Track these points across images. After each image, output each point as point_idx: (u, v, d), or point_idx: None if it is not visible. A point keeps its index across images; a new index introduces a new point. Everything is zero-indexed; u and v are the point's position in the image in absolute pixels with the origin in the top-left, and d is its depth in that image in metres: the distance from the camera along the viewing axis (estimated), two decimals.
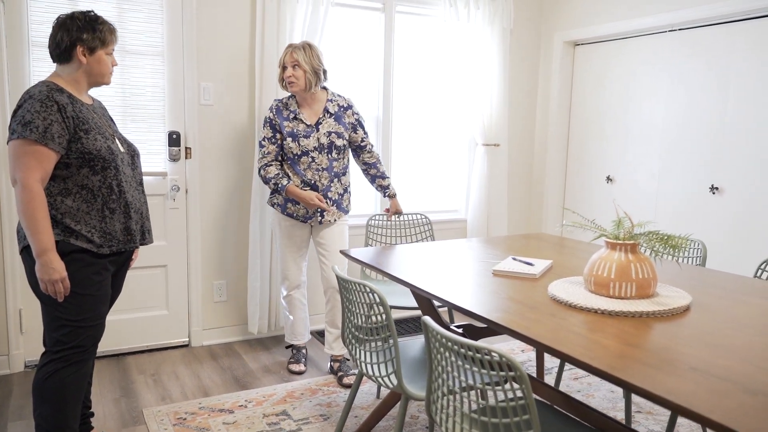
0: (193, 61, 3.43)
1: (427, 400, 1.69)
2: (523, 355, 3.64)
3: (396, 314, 4.32)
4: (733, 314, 1.84)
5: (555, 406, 1.97)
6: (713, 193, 3.56)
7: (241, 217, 3.71)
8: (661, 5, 3.70)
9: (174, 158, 3.47)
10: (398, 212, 3.30)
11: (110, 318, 3.45)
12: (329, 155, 3.09)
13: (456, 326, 2.61)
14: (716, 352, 1.53)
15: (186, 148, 3.50)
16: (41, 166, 2.01)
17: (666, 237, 1.87)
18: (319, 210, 3.09)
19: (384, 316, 1.94)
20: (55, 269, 2.04)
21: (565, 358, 1.51)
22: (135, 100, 3.36)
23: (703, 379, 1.35)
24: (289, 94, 3.16)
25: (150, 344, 3.59)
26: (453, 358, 1.50)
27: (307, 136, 3.05)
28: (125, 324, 3.50)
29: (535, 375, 3.12)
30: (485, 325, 2.53)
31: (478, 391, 1.47)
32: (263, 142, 3.09)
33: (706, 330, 1.69)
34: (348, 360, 3.34)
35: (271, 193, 3.19)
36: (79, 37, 2.10)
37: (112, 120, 2.37)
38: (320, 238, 3.19)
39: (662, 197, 3.86)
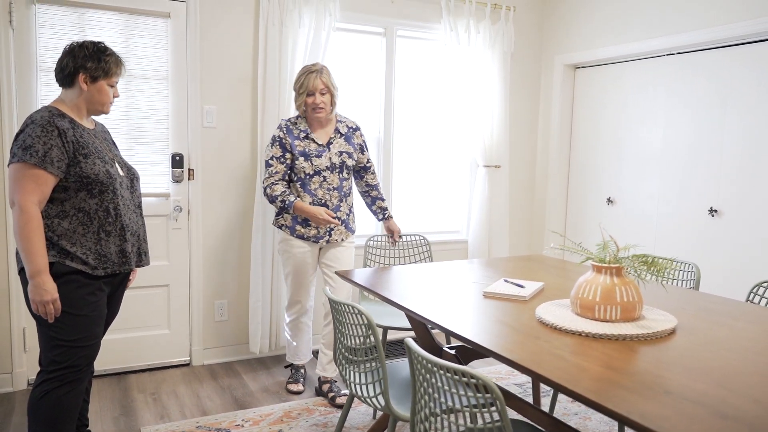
0: (196, 84, 3.51)
1: (412, 421, 1.71)
2: (521, 377, 3.64)
3: (394, 335, 4.34)
4: (717, 338, 1.85)
5: (539, 427, 1.98)
6: (712, 216, 3.56)
7: (242, 238, 3.76)
8: (660, 29, 3.74)
9: (177, 179, 3.54)
10: (399, 233, 3.35)
11: (112, 337, 3.50)
12: (340, 174, 3.12)
13: (449, 347, 2.63)
14: (694, 375, 1.54)
15: (189, 169, 3.56)
16: (39, 189, 2.07)
17: (650, 260, 1.89)
18: (329, 229, 3.12)
19: (372, 338, 1.97)
20: (46, 291, 2.07)
21: (543, 381, 1.53)
22: (139, 123, 3.44)
23: (676, 403, 1.37)
24: (296, 113, 3.19)
25: (151, 363, 3.63)
26: (434, 380, 1.52)
27: (319, 156, 3.06)
28: (127, 343, 3.54)
29: (531, 396, 3.12)
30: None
31: (460, 413, 1.49)
32: (271, 162, 3.05)
33: (687, 354, 1.70)
34: (336, 381, 3.31)
35: (277, 214, 3.18)
36: (84, 65, 2.19)
37: (114, 144, 2.44)
38: (327, 260, 3.20)
39: (662, 219, 3.86)
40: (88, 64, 2.19)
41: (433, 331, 4.19)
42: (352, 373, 2.13)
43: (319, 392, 3.31)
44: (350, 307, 1.99)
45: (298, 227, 3.10)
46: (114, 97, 2.29)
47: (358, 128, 3.25)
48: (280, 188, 2.99)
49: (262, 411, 3.10)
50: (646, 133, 3.94)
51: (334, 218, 2.96)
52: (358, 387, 2.10)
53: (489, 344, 1.75)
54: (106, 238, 2.23)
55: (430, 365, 1.51)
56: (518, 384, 3.54)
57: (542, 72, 4.66)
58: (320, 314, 3.90)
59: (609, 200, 4.24)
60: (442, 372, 1.47)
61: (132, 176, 2.38)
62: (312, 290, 3.29)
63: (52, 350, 2.16)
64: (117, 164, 2.31)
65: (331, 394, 3.21)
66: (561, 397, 3.35)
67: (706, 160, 3.57)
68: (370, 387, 2.16)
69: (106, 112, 2.30)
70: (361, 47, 4.05)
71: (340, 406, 3.15)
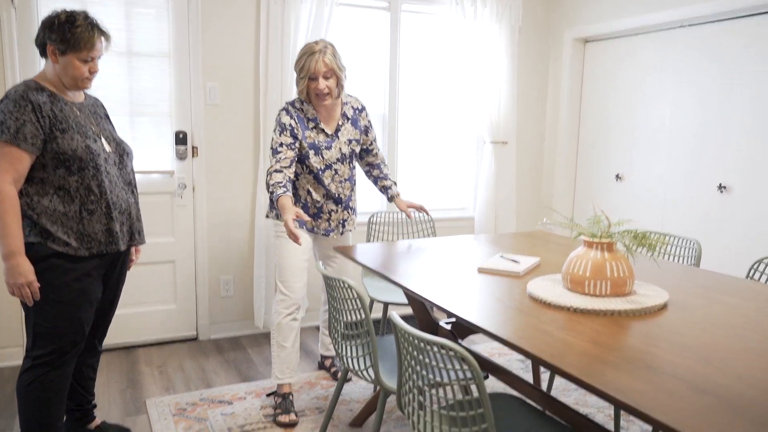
0: (198, 62, 3.51)
1: (398, 395, 1.72)
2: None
3: (397, 311, 4.36)
4: (709, 314, 1.83)
5: (530, 402, 1.98)
6: (721, 192, 3.50)
7: (247, 214, 3.79)
8: (671, 1, 3.65)
9: (181, 157, 3.56)
10: (413, 206, 2.98)
11: (120, 312, 3.57)
12: (350, 164, 2.90)
13: (446, 322, 2.64)
14: (680, 351, 1.53)
15: (193, 147, 3.58)
16: (13, 167, 1.98)
17: (641, 235, 1.87)
18: (341, 221, 2.92)
19: (362, 312, 1.98)
20: (21, 273, 2.01)
21: (528, 355, 1.53)
22: (142, 100, 3.46)
23: (657, 378, 1.36)
24: (298, 97, 2.79)
25: (159, 337, 3.69)
26: (416, 353, 1.53)
27: (329, 148, 2.78)
28: (134, 318, 3.61)
29: (531, 372, 3.12)
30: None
31: (441, 386, 1.50)
32: (280, 149, 2.66)
33: (675, 330, 1.69)
34: (334, 357, 3.28)
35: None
36: (49, 37, 2.06)
37: (106, 118, 2.33)
38: (329, 250, 3.04)
39: (670, 195, 3.81)
40: (53, 36, 2.04)
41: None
42: (345, 347, 2.15)
43: (321, 366, 3.33)
44: (341, 282, 2.00)
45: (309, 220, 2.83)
46: (92, 72, 2.13)
47: (363, 108, 2.96)
48: (278, 177, 2.60)
49: (265, 384, 3.15)
50: (655, 107, 3.87)
51: (298, 226, 2.68)
52: (350, 360, 2.12)
53: (477, 320, 1.76)
54: (89, 217, 2.13)
55: (411, 338, 1.52)
56: (520, 359, 3.55)
57: (551, 46, 4.58)
58: (319, 301, 3.91)
59: (617, 177, 4.18)
60: (423, 345, 1.48)
61: (121, 152, 2.28)
62: (305, 280, 2.88)
63: (36, 336, 2.12)
64: (103, 139, 2.21)
65: (333, 369, 3.23)
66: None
67: (716, 135, 3.50)
68: (362, 360, 2.18)
69: (85, 87, 2.16)
70: (365, 22, 4.01)
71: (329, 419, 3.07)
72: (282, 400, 2.81)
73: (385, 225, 3.56)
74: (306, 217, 2.40)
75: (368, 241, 3.51)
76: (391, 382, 2.03)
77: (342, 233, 2.96)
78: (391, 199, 3.04)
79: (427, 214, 3.03)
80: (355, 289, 1.94)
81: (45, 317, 2.12)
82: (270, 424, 2.74)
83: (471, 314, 1.80)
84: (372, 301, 3.11)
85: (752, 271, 2.46)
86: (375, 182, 3.13)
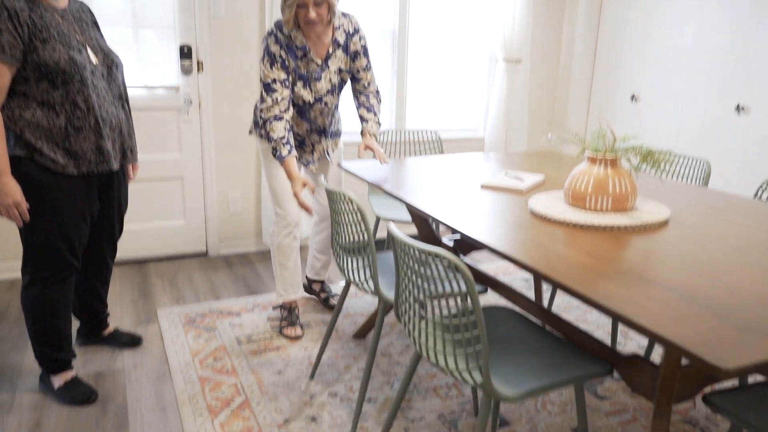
0: None
1: (396, 305, 1.76)
2: (525, 273, 3.68)
3: (403, 230, 4.39)
4: (709, 231, 1.82)
5: (528, 317, 2.02)
6: (738, 113, 3.41)
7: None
8: None
9: (186, 71, 3.51)
10: (370, 148, 2.64)
11: (132, 226, 3.63)
12: (339, 94, 2.71)
13: (449, 239, 2.66)
14: (674, 265, 1.53)
15: (198, 61, 3.52)
16: None
17: (647, 151, 1.84)
18: (325, 150, 2.81)
19: (362, 225, 1.99)
20: (7, 193, 1.95)
21: (522, 266, 1.54)
22: (146, 12, 3.38)
23: (646, 288, 1.37)
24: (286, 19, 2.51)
25: (169, 252, 3.77)
26: (411, 263, 1.55)
27: (319, 78, 2.58)
28: (146, 232, 3.67)
29: (534, 293, 3.16)
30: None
31: (437, 298, 1.52)
32: (273, 86, 2.47)
33: (673, 245, 1.68)
34: (325, 282, 3.17)
35: (261, 126, 2.67)
36: None
37: (93, 25, 2.19)
38: (317, 174, 2.93)
39: (686, 116, 3.71)
40: None
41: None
42: (346, 259, 2.18)
43: (309, 291, 3.19)
44: (343, 196, 2.01)
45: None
46: None
47: (356, 31, 2.64)
48: (280, 129, 2.46)
49: (272, 297, 3.23)
50: (675, 25, 3.71)
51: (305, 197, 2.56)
52: (351, 272, 2.16)
53: (477, 234, 1.76)
54: (76, 134, 2.04)
55: (407, 247, 1.53)
56: (524, 278, 3.59)
57: None
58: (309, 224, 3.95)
59: (633, 97, 4.07)
60: (418, 254, 1.49)
61: (110, 63, 2.14)
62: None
63: (29, 254, 2.11)
64: (89, 50, 2.07)
65: (323, 295, 3.13)
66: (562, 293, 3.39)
67: (734, 54, 3.37)
68: (362, 272, 2.21)
69: None
70: None
71: (332, 307, 3.09)
72: (288, 313, 2.87)
73: (392, 144, 3.53)
74: (312, 185, 2.40)
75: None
76: (390, 294, 2.06)
77: (329, 158, 2.87)
78: (361, 133, 2.72)
79: (384, 162, 2.63)
80: (356, 202, 1.95)
81: (36, 236, 2.08)
82: (276, 335, 2.82)
83: (471, 229, 1.80)
84: (378, 219, 3.12)
85: (760, 191, 2.43)
86: (357, 108, 2.78)
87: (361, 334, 2.82)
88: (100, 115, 2.09)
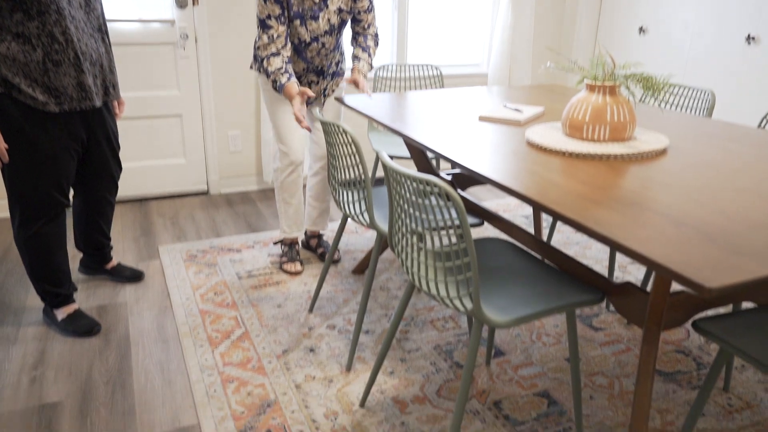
0: None
1: (390, 236, 1.75)
2: (528, 209, 3.67)
3: (403, 165, 4.37)
4: (707, 159, 1.79)
5: (522, 248, 2.01)
6: (749, 43, 3.31)
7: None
8: None
9: (181, 5, 3.42)
10: (354, 81, 2.56)
11: (132, 165, 3.62)
12: (338, 35, 2.60)
13: (447, 173, 2.64)
14: (669, 191, 1.51)
15: None
16: None
17: (646, 77, 1.79)
18: (323, 90, 2.72)
19: (358, 157, 1.97)
20: None
21: (514, 194, 1.53)
22: None
23: (637, 213, 1.35)
24: None
25: (170, 191, 3.77)
26: (402, 191, 1.54)
27: (315, 18, 2.47)
28: (146, 171, 3.67)
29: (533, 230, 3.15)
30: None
31: (432, 229, 1.52)
32: (269, 22, 2.41)
33: (669, 172, 1.66)
34: (323, 235, 3.10)
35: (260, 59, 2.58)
36: None
37: None
38: (313, 114, 2.80)
39: (695, 48, 3.61)
40: None
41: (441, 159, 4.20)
42: (342, 192, 2.17)
43: (306, 246, 3.07)
44: (337, 127, 1.98)
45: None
46: None
47: None
48: (278, 62, 2.43)
49: (272, 234, 3.25)
50: None
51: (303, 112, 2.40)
52: (347, 205, 2.15)
53: (471, 164, 1.74)
54: (55, 69, 1.97)
55: (397, 175, 1.52)
56: (524, 216, 3.58)
57: None
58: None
59: (641, 29, 3.95)
60: (408, 182, 1.48)
61: None
62: (300, 138, 2.71)
63: (15, 194, 2.08)
64: None
65: (320, 250, 2.99)
66: (565, 228, 3.39)
67: None
68: (357, 205, 2.21)
69: None
70: None
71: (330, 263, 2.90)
72: (288, 249, 2.87)
73: (392, 80, 3.47)
74: (312, 94, 2.32)
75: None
76: (386, 227, 2.06)
77: (323, 103, 2.77)
78: (351, 69, 2.64)
79: (369, 93, 2.57)
80: (350, 134, 1.92)
81: (20, 176, 2.04)
82: (276, 271, 2.85)
83: (466, 159, 1.78)
84: (378, 156, 3.10)
85: (763, 122, 2.38)
86: (353, 46, 2.71)
87: (360, 269, 2.84)
88: (79, 48, 2.01)
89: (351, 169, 2.03)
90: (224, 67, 3.63)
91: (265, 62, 2.45)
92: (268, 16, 2.41)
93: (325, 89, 2.73)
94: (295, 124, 2.67)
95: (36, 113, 2.00)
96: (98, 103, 2.16)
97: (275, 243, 2.96)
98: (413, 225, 1.54)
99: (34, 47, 1.92)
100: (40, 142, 2.04)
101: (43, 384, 2.03)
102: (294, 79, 2.43)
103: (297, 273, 2.81)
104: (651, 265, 1.13)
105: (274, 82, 2.44)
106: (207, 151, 3.75)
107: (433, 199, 1.45)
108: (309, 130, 2.35)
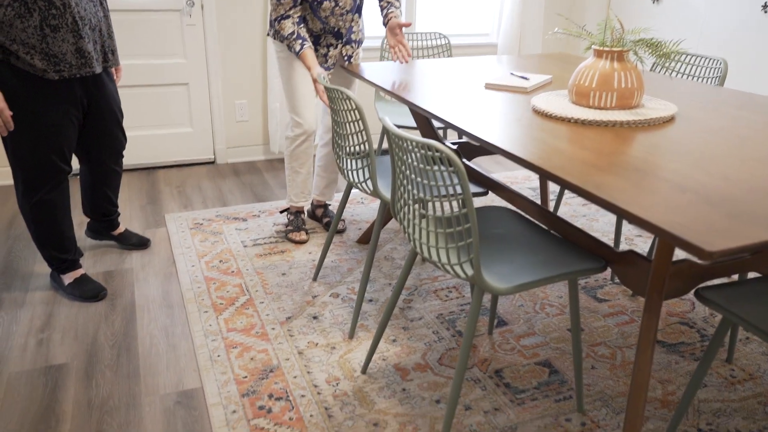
0: None
1: (392, 202, 1.75)
2: (535, 182, 3.65)
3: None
4: (715, 126, 1.75)
5: (526, 217, 2.00)
6: (765, 12, 3.23)
7: (259, 36, 3.66)
8: None
9: None
10: (402, 25, 2.49)
11: (139, 133, 3.62)
12: None
13: (453, 143, 2.61)
14: (674, 158, 1.48)
15: None
16: None
17: (656, 43, 1.75)
18: (345, 57, 2.65)
19: (361, 124, 1.95)
20: None
21: (515, 160, 1.51)
22: None
23: (641, 179, 1.33)
24: None
25: (177, 160, 3.78)
26: (405, 157, 1.52)
27: None
28: (153, 139, 3.66)
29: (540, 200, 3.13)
30: (478, 144, 2.53)
31: (437, 198, 1.51)
32: None
33: (676, 140, 1.63)
34: (329, 205, 3.06)
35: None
36: None
37: None
38: (331, 82, 2.81)
39: (710, 17, 3.53)
40: None
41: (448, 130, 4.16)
42: (347, 161, 2.16)
43: (312, 216, 3.06)
44: (340, 92, 1.96)
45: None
46: None
47: None
48: (289, 26, 2.42)
49: (278, 204, 3.25)
50: None
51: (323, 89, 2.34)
52: (350, 173, 2.14)
53: (475, 130, 1.72)
54: (53, 34, 1.93)
55: (399, 141, 1.50)
56: (532, 188, 3.56)
57: None
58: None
59: None
60: (410, 146, 1.46)
61: None
62: (313, 108, 2.67)
63: (17, 162, 2.07)
64: None
65: (326, 219, 2.98)
66: (572, 201, 3.37)
67: None
68: (360, 172, 2.19)
69: None
70: None
71: (336, 232, 2.95)
72: (294, 217, 2.87)
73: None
74: (325, 73, 2.27)
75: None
76: (389, 195, 2.05)
77: (348, 62, 2.69)
78: (385, 22, 2.59)
79: (404, 61, 2.54)
80: (354, 99, 1.90)
81: (22, 145, 2.04)
82: (281, 239, 2.86)
83: (471, 126, 1.76)
84: (384, 126, 3.07)
85: None
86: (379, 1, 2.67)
87: (364, 239, 2.84)
88: (77, 12, 1.98)
89: (355, 136, 2.01)
90: (231, 35, 3.60)
91: (276, 25, 2.45)
92: None
93: (350, 56, 2.66)
94: (310, 93, 2.63)
95: (35, 80, 1.98)
96: (98, 69, 2.14)
97: (281, 212, 2.96)
98: (415, 192, 1.53)
99: (31, 12, 1.88)
100: (41, 109, 2.03)
101: (50, 346, 2.06)
102: (308, 46, 2.41)
103: (302, 242, 2.81)
104: (653, 229, 1.11)
105: (289, 47, 2.45)
106: (214, 120, 3.74)
107: (436, 166, 1.44)
108: (327, 104, 2.25)
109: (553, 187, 3.48)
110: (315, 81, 2.36)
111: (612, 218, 3.15)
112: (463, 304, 2.36)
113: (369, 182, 2.09)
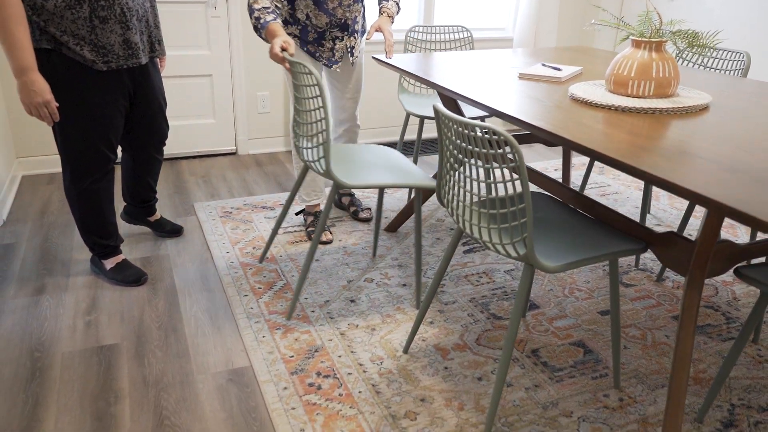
0: None
1: (438, 187, 1.81)
2: (557, 172, 3.72)
3: (432, 125, 4.40)
4: (750, 113, 1.83)
5: (564, 202, 2.07)
6: None
7: None
8: None
9: None
10: (380, 29, 2.46)
11: None
12: None
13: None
14: (717, 142, 1.55)
15: None
16: None
17: (693, 35, 1.82)
18: (349, 49, 2.62)
19: (321, 101, 1.96)
20: (36, 92, 1.89)
21: (564, 142, 1.58)
22: None
23: (690, 160, 1.40)
24: None
25: (200, 150, 3.83)
26: (458, 141, 1.59)
27: None
28: (176, 130, 3.71)
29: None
30: (511, 130, 2.58)
31: (480, 177, 1.57)
32: None
33: (716, 125, 1.70)
34: (354, 193, 3.07)
35: (284, 23, 2.52)
36: None
37: None
38: (340, 83, 2.73)
39: (727, 11, 3.60)
40: None
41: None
42: (301, 138, 2.17)
43: (339, 206, 3.12)
44: (302, 66, 1.95)
45: (308, 46, 2.56)
46: None
47: None
48: (263, 1, 2.29)
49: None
50: None
51: (284, 58, 2.16)
52: (304, 151, 2.14)
53: (517, 113, 1.79)
54: (102, 26, 1.96)
55: (453, 124, 1.56)
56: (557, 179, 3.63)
57: None
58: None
59: None
60: (467, 131, 1.53)
61: None
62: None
63: (67, 151, 2.11)
64: None
65: (353, 208, 3.02)
66: (590, 192, 3.44)
67: None
68: (315, 151, 2.15)
69: None
70: None
71: (364, 220, 2.98)
72: (314, 218, 2.85)
73: (422, 41, 3.48)
74: (292, 50, 2.14)
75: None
76: (342, 177, 2.05)
77: (352, 63, 2.67)
78: (379, 12, 2.55)
79: (387, 54, 2.45)
80: (315, 75, 1.90)
81: (71, 133, 2.07)
82: (310, 227, 2.91)
83: (510, 109, 1.82)
84: (408, 116, 3.13)
85: None
86: None
87: (392, 227, 2.90)
88: (125, 3, 2.01)
89: (314, 113, 2.00)
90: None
91: (252, 1, 2.28)
92: None
93: (352, 48, 2.62)
94: None
95: (85, 70, 2.02)
96: (144, 60, 2.18)
97: (297, 214, 2.94)
98: (467, 173, 1.59)
99: (81, 3, 1.92)
100: (90, 98, 2.07)
101: (99, 328, 2.11)
102: (279, 21, 2.27)
103: (327, 242, 2.76)
104: (710, 203, 1.18)
105: (257, 19, 2.25)
106: (236, 111, 3.80)
107: (486, 143, 1.51)
108: (289, 70, 2.14)
109: (575, 175, 3.55)
110: (281, 49, 2.13)
111: (631, 207, 3.22)
112: (494, 288, 2.43)
113: (323, 161, 2.05)
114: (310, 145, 2.13)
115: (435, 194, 2.05)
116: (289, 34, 2.53)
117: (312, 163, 2.12)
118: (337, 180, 2.04)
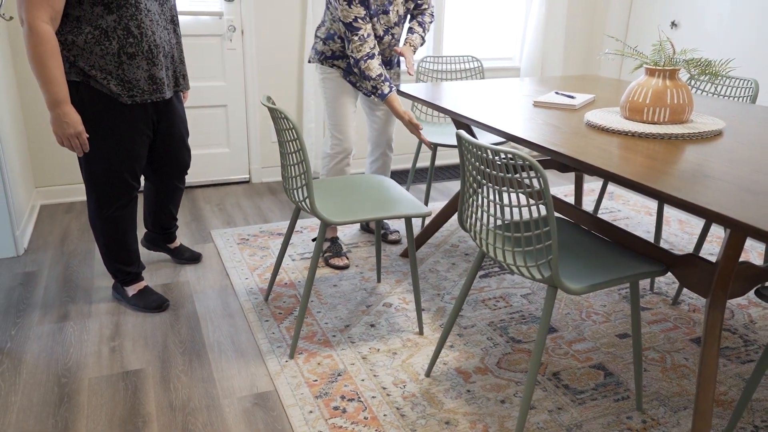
0: None
1: (460, 212, 1.85)
2: (567, 200, 3.76)
3: (448, 152, 4.46)
4: (763, 139, 1.87)
5: (582, 226, 2.11)
6: None
7: (296, 59, 3.80)
8: None
9: None
10: (402, 54, 2.66)
11: None
12: (403, 25, 2.71)
13: None
14: (735, 165, 1.60)
15: None
16: (48, 3, 1.82)
17: (706, 62, 1.88)
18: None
19: (298, 143, 1.98)
20: (68, 123, 1.95)
21: (586, 168, 1.62)
22: None
23: (711, 183, 1.45)
24: None
25: (214, 179, 3.89)
26: (481, 165, 1.63)
27: (386, 11, 2.56)
28: (192, 159, 3.76)
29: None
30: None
31: (505, 202, 1.61)
32: (356, 24, 2.45)
33: (731, 150, 1.75)
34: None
35: (332, 57, 2.67)
36: None
37: None
38: (372, 103, 2.87)
39: (729, 40, 3.69)
40: None
41: None
42: (290, 180, 2.18)
43: (366, 229, 3.20)
44: (279, 113, 1.99)
45: (351, 77, 2.70)
46: None
47: None
48: (376, 67, 2.51)
49: (317, 221, 3.35)
50: None
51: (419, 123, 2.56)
52: (292, 192, 2.17)
53: (537, 140, 1.83)
54: (129, 62, 2.02)
55: (475, 149, 1.61)
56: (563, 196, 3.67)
57: None
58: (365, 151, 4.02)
59: (673, 24, 4.03)
60: (490, 155, 1.57)
61: None
62: (354, 128, 2.80)
63: (92, 180, 2.16)
64: None
65: (381, 231, 3.02)
66: (603, 215, 3.47)
67: None
68: (300, 191, 2.14)
69: None
70: None
71: (393, 243, 3.07)
72: (331, 244, 2.88)
73: (433, 71, 3.56)
74: (417, 123, 2.55)
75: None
76: (326, 213, 2.07)
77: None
78: (405, 41, 2.76)
79: (408, 71, 2.63)
80: (291, 120, 1.94)
81: (98, 163, 2.13)
82: (327, 252, 2.95)
83: (528, 135, 1.87)
84: (420, 143, 3.19)
85: None
86: (409, 20, 2.82)
87: (407, 253, 2.93)
88: (153, 41, 2.07)
89: (294, 155, 2.03)
90: (269, 60, 3.74)
91: (361, 64, 2.51)
92: (355, 18, 2.45)
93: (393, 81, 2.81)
94: (353, 114, 2.76)
95: (112, 101, 2.08)
96: (169, 94, 2.23)
97: (313, 240, 2.96)
98: (491, 197, 1.63)
99: (110, 40, 1.98)
100: (116, 129, 2.12)
101: (123, 353, 2.14)
102: (395, 88, 2.59)
103: (344, 267, 2.80)
104: (734, 224, 1.22)
105: (375, 89, 2.54)
106: (250, 140, 3.86)
107: (510, 168, 1.55)
108: (428, 144, 2.65)
109: (587, 200, 3.60)
110: (417, 123, 2.54)
111: (642, 232, 3.26)
112: (512, 312, 2.45)
113: (307, 201, 2.07)
114: (295, 186, 2.15)
115: (456, 218, 2.08)
116: (334, 66, 2.69)
117: (300, 203, 2.14)
118: (322, 218, 2.06)
